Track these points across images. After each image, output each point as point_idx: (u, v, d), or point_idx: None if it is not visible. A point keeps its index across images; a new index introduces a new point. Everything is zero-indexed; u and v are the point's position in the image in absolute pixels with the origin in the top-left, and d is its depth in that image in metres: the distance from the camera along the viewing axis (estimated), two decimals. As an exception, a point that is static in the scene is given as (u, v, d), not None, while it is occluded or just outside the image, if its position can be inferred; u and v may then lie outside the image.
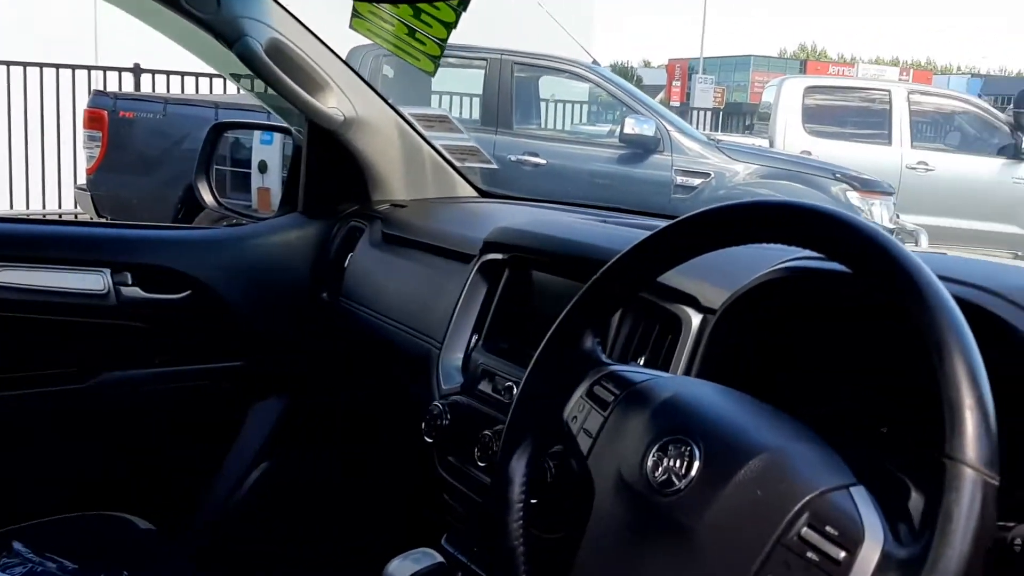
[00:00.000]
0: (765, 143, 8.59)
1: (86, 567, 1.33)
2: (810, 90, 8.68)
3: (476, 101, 7.51)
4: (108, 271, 1.70)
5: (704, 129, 14.54)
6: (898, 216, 6.64)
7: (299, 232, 1.89)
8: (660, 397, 0.80)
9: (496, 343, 1.32)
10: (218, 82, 7.95)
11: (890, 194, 6.56)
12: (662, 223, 1.47)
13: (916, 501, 0.71)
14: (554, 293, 1.27)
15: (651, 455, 0.75)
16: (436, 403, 1.26)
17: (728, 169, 6.29)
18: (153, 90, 7.68)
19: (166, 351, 1.77)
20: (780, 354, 0.97)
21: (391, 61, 6.82)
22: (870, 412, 0.90)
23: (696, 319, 1.02)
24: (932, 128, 9.28)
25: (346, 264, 1.80)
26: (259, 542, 1.83)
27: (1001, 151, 8.09)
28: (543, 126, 8.20)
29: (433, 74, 1.71)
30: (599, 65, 7.07)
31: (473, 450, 1.18)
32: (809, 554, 0.64)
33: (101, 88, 7.23)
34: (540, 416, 0.89)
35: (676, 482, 0.72)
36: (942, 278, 0.76)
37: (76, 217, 7.36)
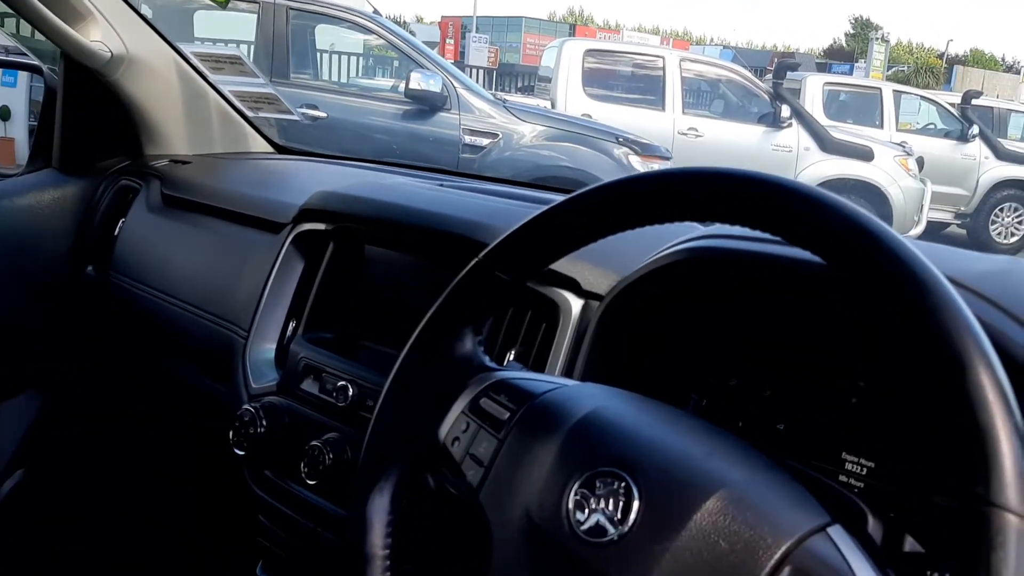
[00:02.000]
0: (547, 104, 8.66)
1: None
2: (589, 53, 8.81)
3: (246, 48, 6.98)
4: None
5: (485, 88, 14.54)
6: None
7: (55, 192, 1.55)
8: (574, 414, 0.63)
9: (319, 332, 1.10)
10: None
11: (668, 159, 6.77)
12: (498, 187, 1.31)
13: (904, 540, 0.58)
14: (393, 271, 1.07)
15: (572, 493, 0.58)
16: (247, 407, 1.03)
17: (515, 130, 6.25)
18: None
19: None
20: (676, 349, 0.84)
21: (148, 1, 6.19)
22: (781, 414, 0.78)
23: (576, 305, 0.86)
24: (700, 95, 9.73)
25: (116, 232, 1.49)
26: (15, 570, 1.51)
27: (761, 119, 8.60)
28: (320, 77, 7.79)
29: (224, 6, 1.43)
30: (380, 15, 6.78)
31: (298, 464, 0.97)
32: None
33: None
34: (408, 438, 0.70)
35: (609, 529, 0.56)
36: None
37: None
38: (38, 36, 1.45)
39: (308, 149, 1.74)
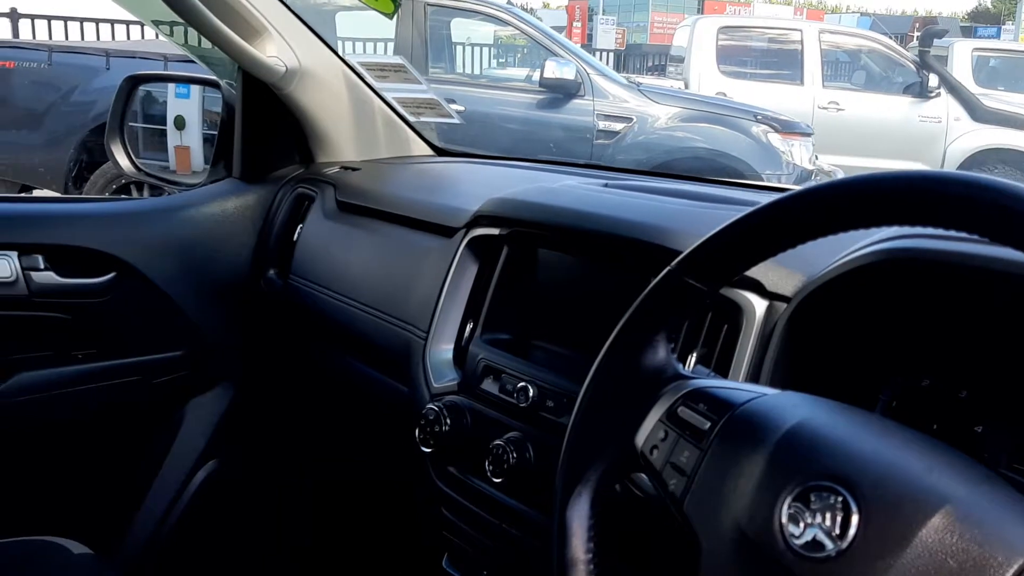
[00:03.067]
0: (680, 85, 8.52)
1: None
2: (723, 30, 8.61)
3: (382, 47, 7.15)
4: (15, 254, 1.45)
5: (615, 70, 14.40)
6: (816, 157, 6.66)
7: (237, 200, 1.66)
8: (780, 425, 0.63)
9: (496, 333, 1.14)
10: (105, 28, 7.39)
11: (809, 135, 6.56)
12: (662, 183, 1.31)
13: None
14: (567, 274, 1.10)
15: (785, 507, 0.59)
16: (431, 406, 1.08)
17: (649, 113, 6.18)
18: (33, 37, 7.07)
19: (88, 344, 1.53)
20: (863, 348, 0.83)
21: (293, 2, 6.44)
22: (979, 416, 0.77)
23: (760, 307, 0.87)
24: (839, 67, 9.35)
25: (295, 237, 1.58)
26: (209, 556, 1.63)
27: (907, 90, 8.20)
28: (456, 70, 7.92)
29: (392, 16, 1.49)
30: (512, 6, 6.84)
31: (482, 462, 1.01)
32: None
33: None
34: (605, 444, 0.73)
35: (828, 544, 0.56)
36: None
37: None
38: (208, 46, 1.54)
39: (465, 150, 1.79)
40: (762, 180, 5.82)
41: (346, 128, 1.65)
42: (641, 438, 0.71)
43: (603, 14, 22.72)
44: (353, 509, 1.70)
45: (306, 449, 1.70)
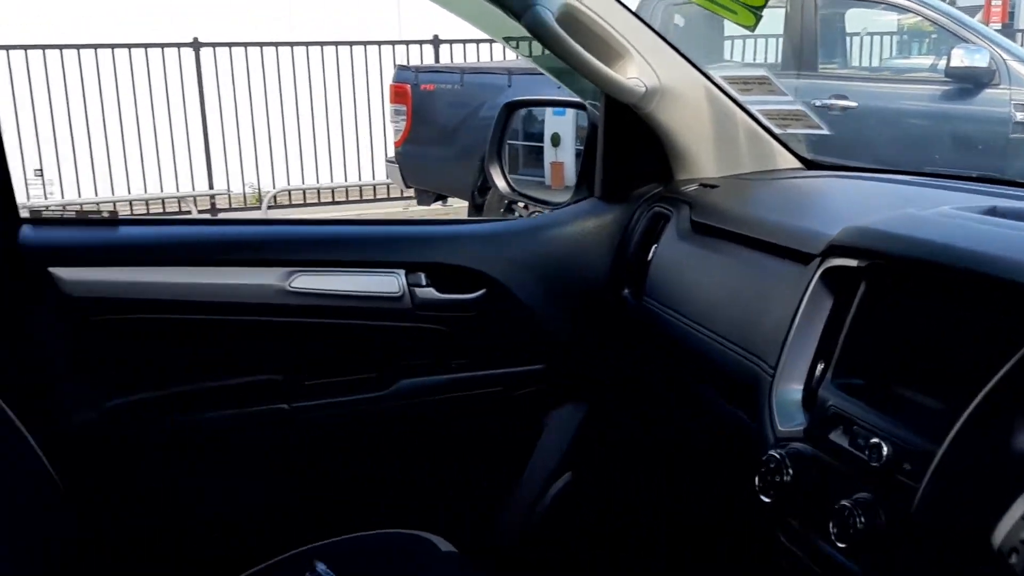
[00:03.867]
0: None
1: None
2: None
3: (772, 43, 6.91)
4: (403, 272, 1.61)
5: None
6: None
7: (596, 220, 1.69)
8: None
9: (849, 378, 1.03)
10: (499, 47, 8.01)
11: None
12: None
13: None
14: (933, 316, 0.96)
15: None
16: (773, 452, 1.01)
17: (1084, 103, 5.33)
18: (451, 60, 7.88)
19: (461, 355, 1.66)
20: None
21: (682, 9, 6.46)
22: None
23: None
24: None
25: (650, 257, 1.57)
26: (562, 562, 1.69)
27: None
28: (849, 64, 7.44)
29: (754, 28, 1.42)
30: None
31: (826, 522, 0.92)
32: None
33: (404, 63, 7.53)
34: (952, 534, 0.62)
35: None
36: None
37: (388, 190, 7.78)
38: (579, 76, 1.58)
39: (838, 163, 1.66)
40: None
41: (706, 143, 1.61)
42: (1000, 535, 0.59)
43: (1035, -14, 19.99)
44: (690, 539, 1.66)
45: (654, 471, 1.69)
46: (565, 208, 1.74)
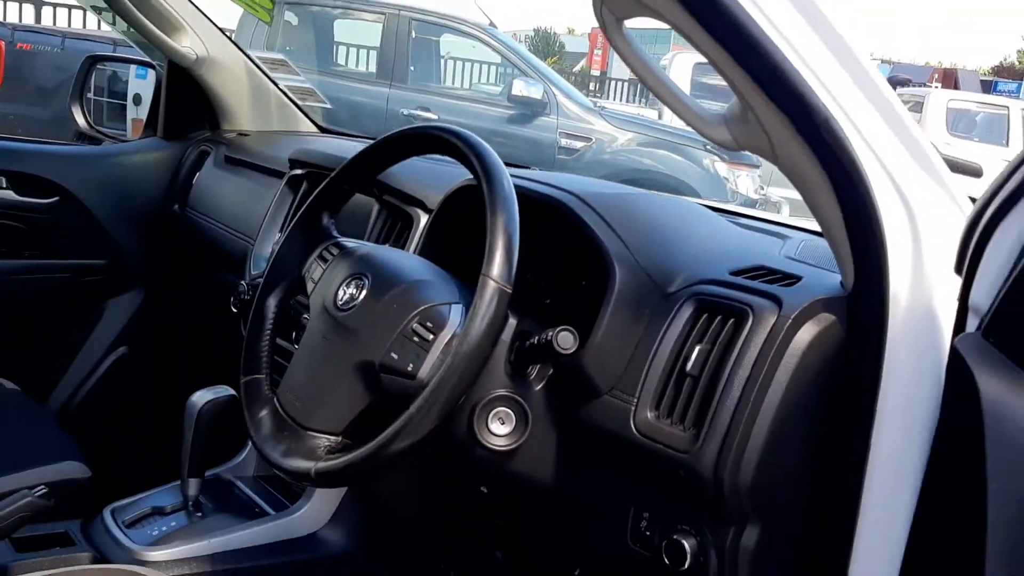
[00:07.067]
0: (655, 115, 9.07)
1: None
2: (699, 67, 9.15)
3: (372, 53, 7.72)
4: None
5: (622, 100, 14.83)
6: (763, 188, 7.17)
7: (157, 154, 2.20)
8: (358, 254, 1.17)
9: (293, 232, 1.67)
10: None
11: (756, 167, 7.07)
12: None
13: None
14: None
15: (340, 288, 1.12)
16: (242, 282, 1.62)
17: (609, 135, 6.70)
18: (54, 24, 7.71)
19: (35, 248, 2.07)
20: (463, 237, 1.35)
21: (296, 9, 7.04)
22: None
23: (424, 217, 1.40)
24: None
25: (193, 181, 2.12)
26: (116, 420, 2.15)
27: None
28: (442, 83, 8.49)
29: (270, 24, 2.03)
30: (495, 28, 7.37)
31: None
32: (415, 337, 1.02)
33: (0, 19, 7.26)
34: (289, 268, 1.25)
35: (352, 303, 1.09)
36: (532, 180, 1.15)
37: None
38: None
39: (343, 131, 2.33)
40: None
41: (244, 104, 2.19)
42: (305, 267, 1.23)
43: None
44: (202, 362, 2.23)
45: (186, 333, 2.23)
46: (135, 141, 2.23)
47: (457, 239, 1.33)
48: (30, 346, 2.10)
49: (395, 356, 1.04)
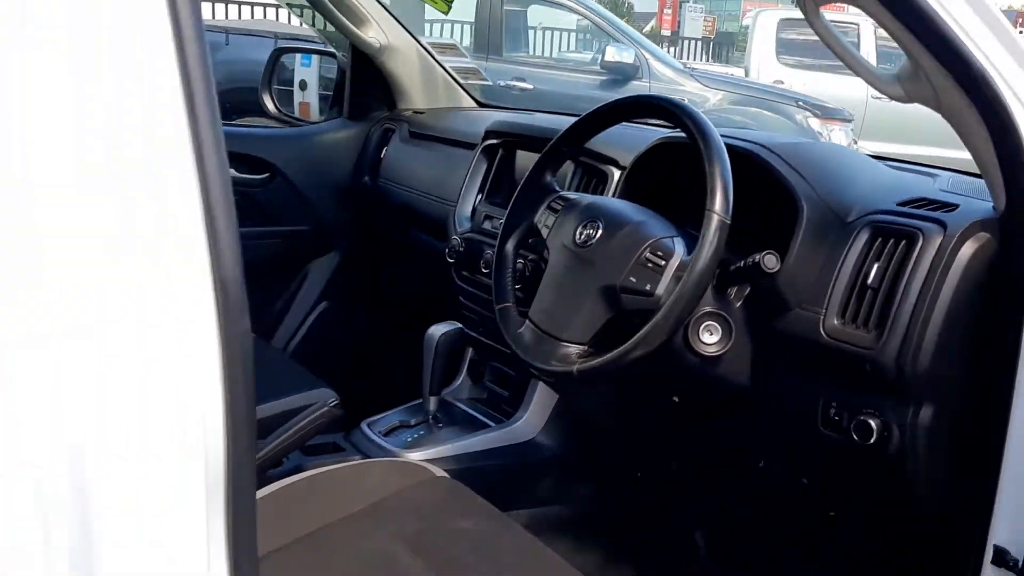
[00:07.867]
0: (741, 72, 9.16)
1: None
2: (784, 23, 9.19)
3: (467, 28, 7.97)
4: None
5: (695, 59, 14.81)
6: (856, 141, 7.25)
7: (345, 132, 2.54)
8: (583, 203, 1.46)
9: (494, 198, 1.98)
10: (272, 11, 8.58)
11: (849, 121, 7.16)
12: None
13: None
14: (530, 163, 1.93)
15: (578, 230, 1.41)
16: (454, 237, 1.93)
17: (700, 95, 6.85)
18: (213, 17, 8.26)
19: (253, 217, 2.43)
20: (663, 189, 1.64)
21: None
22: None
23: (616, 173, 1.68)
24: (897, 58, 9.74)
25: (382, 156, 2.45)
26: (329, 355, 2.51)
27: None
28: (532, 53, 8.73)
29: (447, 13, 2.33)
30: (584, -8, 7.54)
31: (479, 264, 1.85)
32: (649, 264, 1.31)
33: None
34: (523, 219, 1.55)
35: (589, 241, 1.39)
36: (726, 136, 1.43)
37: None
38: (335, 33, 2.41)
39: (500, 104, 2.63)
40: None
41: (417, 86, 2.51)
42: (536, 217, 1.53)
43: (693, 2, 22.85)
44: (407, 316, 2.56)
45: (384, 292, 2.57)
46: (325, 123, 2.57)
47: (647, 190, 1.62)
48: (252, 300, 2.46)
49: (633, 280, 1.33)
